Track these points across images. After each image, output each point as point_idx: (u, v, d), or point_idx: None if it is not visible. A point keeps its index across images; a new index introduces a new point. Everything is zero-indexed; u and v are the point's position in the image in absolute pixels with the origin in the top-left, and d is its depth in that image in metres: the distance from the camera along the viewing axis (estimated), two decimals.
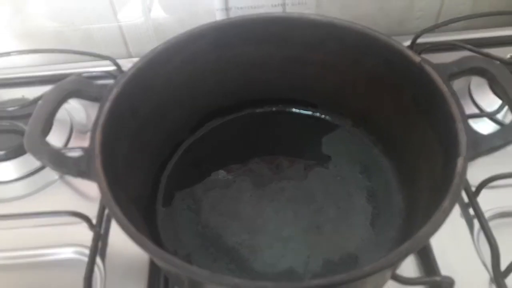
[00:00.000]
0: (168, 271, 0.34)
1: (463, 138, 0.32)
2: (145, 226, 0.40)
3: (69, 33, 0.64)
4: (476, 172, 0.46)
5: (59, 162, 0.33)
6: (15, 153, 0.52)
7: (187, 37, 0.41)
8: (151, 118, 0.42)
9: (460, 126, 0.33)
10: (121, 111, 0.38)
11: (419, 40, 0.60)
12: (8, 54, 0.60)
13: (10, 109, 0.54)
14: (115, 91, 0.37)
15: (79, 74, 0.49)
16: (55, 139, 0.54)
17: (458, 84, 0.57)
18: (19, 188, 0.52)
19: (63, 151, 0.35)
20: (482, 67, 0.36)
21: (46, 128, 0.35)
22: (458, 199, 0.30)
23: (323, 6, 0.62)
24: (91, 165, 0.33)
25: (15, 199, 0.51)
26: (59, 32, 0.64)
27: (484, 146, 0.32)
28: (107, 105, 0.36)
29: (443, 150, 0.35)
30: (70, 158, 0.33)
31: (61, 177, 0.52)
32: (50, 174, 0.53)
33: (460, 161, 0.31)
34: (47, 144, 0.34)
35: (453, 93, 0.35)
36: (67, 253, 0.46)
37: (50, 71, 0.63)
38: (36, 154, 0.33)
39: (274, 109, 0.51)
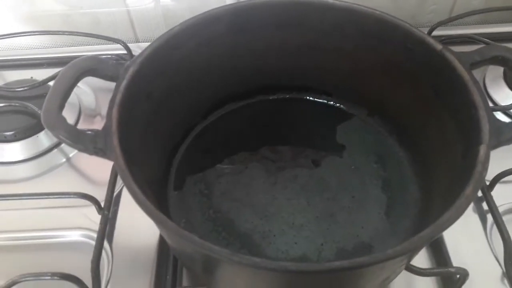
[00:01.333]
0: (183, 251, 0.33)
1: (485, 126, 0.32)
2: (158, 208, 0.39)
3: (77, 16, 0.63)
4: (491, 166, 0.46)
5: (76, 138, 0.33)
6: (24, 134, 0.51)
7: (203, 20, 0.41)
8: (165, 100, 0.42)
9: (482, 113, 0.32)
10: (137, 91, 0.37)
11: (434, 33, 0.59)
12: (18, 35, 0.59)
13: (19, 89, 0.54)
14: (131, 70, 0.37)
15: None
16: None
17: None
18: (27, 169, 0.51)
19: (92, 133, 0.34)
20: (504, 56, 0.35)
21: (63, 104, 0.34)
22: (480, 187, 0.29)
23: None
24: (108, 142, 0.32)
25: (23, 180, 0.50)
26: (67, 16, 0.63)
27: (507, 134, 0.32)
28: (124, 83, 0.36)
29: (462, 139, 0.35)
30: (87, 134, 0.33)
31: (68, 160, 0.52)
32: (58, 156, 0.52)
33: (483, 149, 0.31)
34: (64, 121, 0.33)
35: (475, 82, 0.35)
36: (74, 235, 0.46)
37: (59, 53, 0.63)
38: (54, 130, 0.33)
39: (288, 96, 0.51)
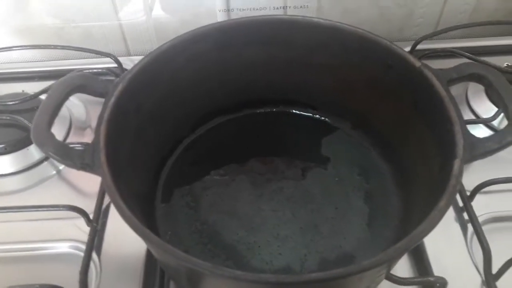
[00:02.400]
0: (168, 264, 0.34)
1: (460, 141, 0.33)
2: (145, 221, 0.40)
3: (70, 30, 0.64)
4: (471, 177, 0.47)
5: (64, 154, 0.34)
6: (14, 146, 0.52)
7: (192, 37, 0.42)
8: (154, 114, 0.43)
9: (457, 129, 0.34)
10: (126, 106, 0.38)
11: (419, 47, 0.61)
12: (9, 49, 0.60)
13: (10, 103, 0.54)
14: (120, 87, 0.38)
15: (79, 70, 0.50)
16: (54, 134, 0.54)
17: (455, 91, 0.57)
18: (17, 181, 0.52)
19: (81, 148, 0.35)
20: (480, 74, 0.37)
21: (52, 120, 0.35)
22: (453, 200, 0.30)
23: (324, 10, 0.63)
24: (95, 158, 0.33)
25: (12, 192, 0.51)
26: (59, 29, 0.64)
27: (480, 149, 0.33)
28: (113, 100, 0.37)
29: (440, 153, 0.36)
30: (75, 150, 0.34)
31: (58, 172, 0.53)
32: (47, 168, 0.53)
33: (456, 163, 0.32)
34: (53, 136, 0.34)
35: (452, 98, 0.36)
36: (63, 247, 0.46)
37: (51, 67, 0.63)
38: (42, 146, 0.33)
39: (274, 109, 0.52)
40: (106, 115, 0.36)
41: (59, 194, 0.51)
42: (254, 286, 0.28)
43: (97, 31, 0.65)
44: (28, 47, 0.61)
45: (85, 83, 0.37)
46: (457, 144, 0.33)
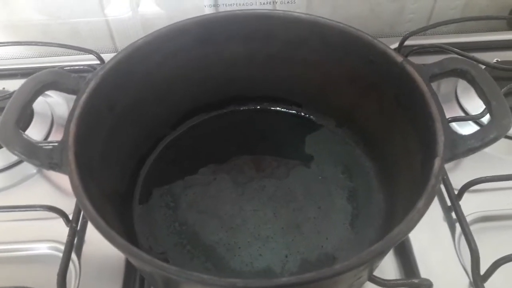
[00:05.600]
0: (140, 269, 0.33)
1: (440, 138, 0.32)
2: (120, 222, 0.39)
3: (56, 26, 0.63)
4: (460, 175, 0.46)
5: (31, 153, 0.33)
6: None
7: (169, 32, 0.41)
8: (130, 112, 0.42)
9: (438, 126, 0.32)
10: (98, 104, 0.37)
11: (407, 43, 0.59)
12: None
13: None
14: (92, 84, 0.37)
15: (61, 67, 0.49)
16: (35, 132, 0.53)
17: (445, 88, 0.57)
18: None
19: (41, 144, 0.34)
20: (463, 69, 0.36)
21: (21, 118, 0.34)
22: (432, 200, 0.29)
23: (314, 6, 0.62)
24: (64, 157, 0.32)
25: None
26: (45, 25, 0.63)
27: (461, 147, 0.32)
28: (84, 97, 0.36)
29: (422, 150, 0.35)
30: (43, 149, 0.33)
31: (39, 171, 0.52)
32: (28, 168, 0.52)
33: (437, 162, 0.31)
34: (20, 135, 0.33)
35: (433, 94, 0.35)
36: (42, 248, 0.45)
37: (34, 64, 0.62)
38: (9, 145, 0.32)
39: (258, 107, 0.51)
40: (76, 113, 0.35)
41: (41, 194, 0.50)
42: None
43: (83, 27, 0.64)
44: (9, 44, 0.60)
45: (56, 80, 0.36)
46: (438, 142, 0.32)
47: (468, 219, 0.44)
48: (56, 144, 0.33)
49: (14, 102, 0.34)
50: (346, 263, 0.26)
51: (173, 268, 0.26)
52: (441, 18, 0.63)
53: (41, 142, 0.46)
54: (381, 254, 0.27)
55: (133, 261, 0.29)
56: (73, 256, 0.44)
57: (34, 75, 0.36)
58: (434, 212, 0.46)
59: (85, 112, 0.35)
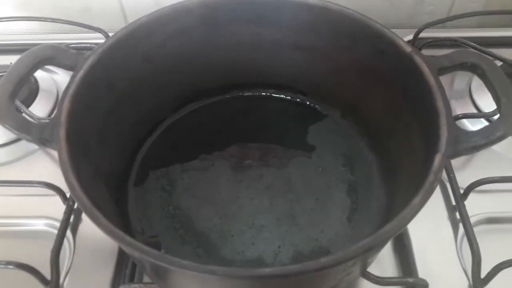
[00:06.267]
0: (126, 251, 0.33)
1: (443, 134, 0.30)
2: (114, 203, 0.39)
3: (68, 3, 0.63)
4: (468, 175, 0.45)
5: (23, 128, 0.32)
6: None
7: (172, 11, 0.40)
8: (129, 93, 0.41)
9: (442, 120, 0.31)
10: (96, 82, 0.37)
11: (423, 35, 0.57)
12: (1, 20, 0.59)
13: None
14: (90, 61, 0.36)
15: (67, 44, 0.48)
16: (39, 108, 0.53)
17: (458, 84, 0.55)
18: (1, 155, 0.51)
19: (38, 119, 0.34)
20: (473, 62, 0.34)
21: (16, 92, 0.34)
22: (429, 197, 0.28)
23: None
24: (54, 133, 0.32)
25: None
26: (57, 2, 0.62)
27: (465, 144, 0.30)
28: (80, 73, 0.35)
29: (424, 146, 0.33)
30: (35, 124, 0.32)
31: (41, 148, 0.52)
32: (31, 144, 0.52)
33: (437, 158, 0.29)
34: (13, 110, 0.33)
35: (441, 87, 0.33)
36: (39, 224, 0.45)
37: (43, 40, 0.61)
38: (1, 118, 0.32)
39: (263, 94, 0.50)
40: (71, 90, 0.34)
41: (41, 170, 0.49)
42: (204, 277, 0.26)
43: (96, 5, 0.63)
44: (18, 19, 0.60)
45: (54, 55, 0.36)
46: (441, 137, 0.30)
47: (472, 220, 0.42)
48: (48, 120, 0.33)
49: (10, 76, 0.34)
50: (332, 257, 0.25)
51: (154, 253, 0.25)
52: (462, 11, 0.60)
53: (36, 118, 0.45)
54: (370, 250, 0.26)
55: (114, 240, 0.28)
56: (69, 234, 0.44)
57: (32, 49, 0.36)
58: (438, 211, 0.45)
59: (80, 89, 0.35)
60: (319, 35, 0.43)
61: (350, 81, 0.44)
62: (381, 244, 0.27)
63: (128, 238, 0.25)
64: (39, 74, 0.56)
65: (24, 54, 0.36)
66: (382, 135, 0.42)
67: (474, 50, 0.42)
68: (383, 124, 0.42)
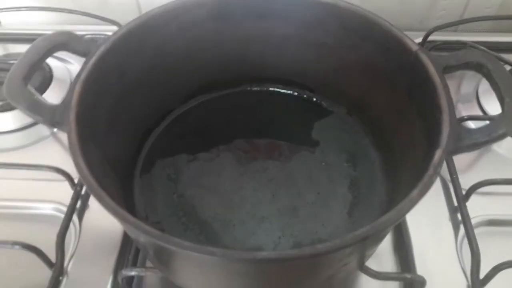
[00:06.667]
0: (127, 231, 0.34)
1: (445, 130, 0.31)
2: (120, 189, 0.39)
3: None
4: (472, 176, 0.45)
5: (35, 109, 0.33)
6: (11, 105, 0.52)
7: (184, 4, 0.41)
8: (140, 82, 0.42)
9: (445, 117, 0.31)
10: (107, 69, 0.37)
11: (433, 38, 0.58)
12: (18, 9, 0.60)
13: (12, 61, 0.55)
14: (102, 48, 0.37)
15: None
16: (52, 96, 0.54)
17: (466, 88, 0.55)
18: (13, 139, 0.52)
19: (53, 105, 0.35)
20: (479, 62, 0.34)
21: (29, 75, 0.35)
22: (428, 190, 0.28)
23: None
24: (65, 116, 0.33)
25: (8, 150, 0.52)
26: None
27: (466, 141, 0.30)
28: (93, 59, 0.36)
29: (426, 142, 0.34)
30: (47, 106, 0.33)
31: (53, 134, 0.53)
32: (43, 129, 0.53)
33: (438, 153, 0.30)
34: (27, 91, 0.34)
35: (445, 86, 0.34)
36: (46, 208, 0.46)
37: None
38: (14, 99, 0.33)
39: (271, 88, 0.50)
40: (83, 75, 0.35)
41: (51, 156, 0.51)
42: (204, 258, 0.27)
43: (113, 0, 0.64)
44: (36, 8, 0.61)
45: (67, 41, 0.37)
46: (442, 133, 0.31)
47: (473, 221, 0.43)
48: (60, 103, 0.34)
49: (24, 59, 0.35)
50: (329, 243, 0.26)
51: (155, 232, 0.26)
52: (474, 15, 0.60)
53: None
54: (366, 239, 0.27)
55: (118, 221, 0.29)
56: (75, 219, 0.45)
57: (46, 35, 0.37)
58: (440, 211, 0.45)
59: (92, 75, 0.35)
60: (328, 31, 0.43)
61: (357, 78, 0.45)
62: (378, 235, 0.28)
63: (131, 218, 0.26)
64: (53, 63, 0.57)
65: (38, 39, 0.37)
66: (386, 132, 0.43)
67: (480, 51, 0.42)
68: (387, 122, 0.42)
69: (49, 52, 0.36)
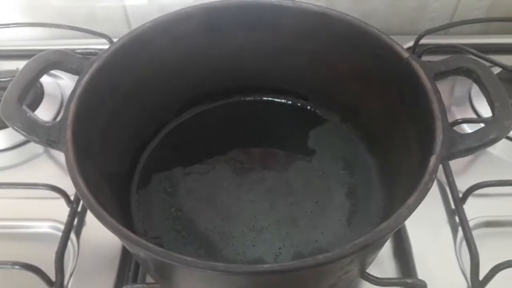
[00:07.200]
0: (128, 248, 0.33)
1: (438, 136, 0.31)
2: (117, 205, 0.39)
3: (73, 10, 0.64)
4: (468, 179, 0.45)
5: (31, 129, 0.33)
6: (2, 123, 0.52)
7: (174, 17, 0.41)
8: (133, 96, 0.42)
9: (438, 124, 0.32)
10: (101, 85, 0.38)
11: (424, 41, 0.58)
12: (6, 26, 0.60)
13: (1, 79, 0.54)
14: (95, 65, 0.37)
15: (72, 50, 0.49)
16: (44, 112, 0.54)
17: (459, 91, 0.56)
18: (6, 158, 0.52)
19: (43, 122, 0.35)
20: (469, 68, 0.35)
21: (24, 95, 0.35)
22: (424, 196, 0.29)
23: None
24: (61, 135, 0.33)
25: (1, 169, 0.51)
26: (63, 8, 0.64)
27: (459, 146, 0.31)
28: (86, 77, 0.36)
29: (421, 149, 0.34)
30: (42, 126, 0.33)
31: (46, 151, 0.53)
32: (36, 147, 0.53)
33: (432, 159, 0.30)
34: (22, 111, 0.34)
35: (437, 92, 0.34)
36: (43, 227, 0.46)
37: (48, 45, 0.62)
38: (9, 120, 0.33)
39: (264, 98, 0.51)
40: (77, 93, 0.35)
41: (45, 173, 0.50)
42: (206, 273, 0.27)
43: (100, 12, 0.64)
44: (24, 25, 0.61)
45: (61, 60, 0.37)
46: (436, 139, 0.31)
47: (471, 223, 0.43)
48: (55, 122, 0.34)
49: (18, 80, 0.35)
50: (330, 254, 0.26)
51: (157, 249, 0.26)
52: (465, 18, 0.61)
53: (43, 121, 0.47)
54: (366, 247, 0.27)
55: (119, 237, 0.29)
56: (73, 237, 0.44)
57: (39, 54, 0.37)
58: (438, 214, 0.45)
59: (86, 92, 0.36)
60: (319, 40, 0.43)
61: (349, 85, 0.45)
62: (377, 243, 0.28)
63: (133, 236, 0.26)
64: (44, 79, 0.56)
65: (31, 59, 0.37)
66: (381, 139, 0.43)
67: (469, 56, 0.42)
68: (381, 128, 0.43)
69: (42, 72, 0.37)
